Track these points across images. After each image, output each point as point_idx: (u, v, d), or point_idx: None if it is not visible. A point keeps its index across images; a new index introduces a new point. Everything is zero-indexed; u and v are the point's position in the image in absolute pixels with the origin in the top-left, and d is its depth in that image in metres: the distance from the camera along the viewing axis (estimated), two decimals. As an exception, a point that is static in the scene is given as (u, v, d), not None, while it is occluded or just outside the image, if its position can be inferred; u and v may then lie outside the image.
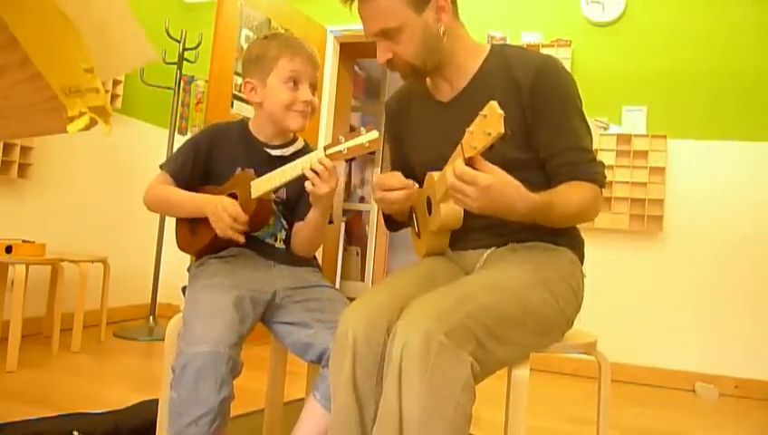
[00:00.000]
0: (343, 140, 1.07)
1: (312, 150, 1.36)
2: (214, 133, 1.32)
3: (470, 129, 0.89)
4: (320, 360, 1.12)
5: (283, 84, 1.24)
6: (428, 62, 1.11)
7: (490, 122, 0.84)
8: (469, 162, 0.90)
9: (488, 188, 0.89)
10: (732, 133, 2.83)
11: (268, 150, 1.30)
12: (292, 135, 1.35)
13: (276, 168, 1.24)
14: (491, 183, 0.89)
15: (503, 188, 0.91)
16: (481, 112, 0.86)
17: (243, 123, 1.34)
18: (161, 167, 1.28)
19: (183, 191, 1.24)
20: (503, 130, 0.83)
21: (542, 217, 1.00)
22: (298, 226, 1.28)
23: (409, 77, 1.14)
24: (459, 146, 0.92)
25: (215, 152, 1.29)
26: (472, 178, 0.89)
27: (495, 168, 0.91)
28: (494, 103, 0.84)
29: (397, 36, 1.06)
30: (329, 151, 1.08)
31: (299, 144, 1.35)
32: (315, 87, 1.29)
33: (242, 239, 1.16)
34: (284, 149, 1.32)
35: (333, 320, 1.11)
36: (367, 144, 1.05)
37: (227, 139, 1.31)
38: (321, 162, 1.08)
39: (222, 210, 1.14)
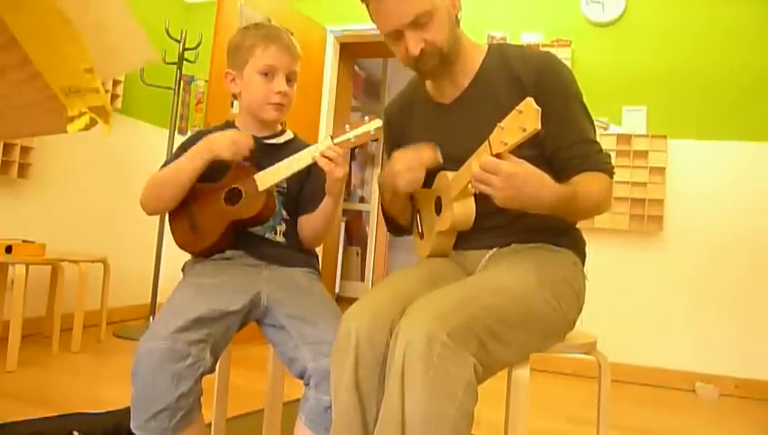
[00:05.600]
0: (349, 129, 1.10)
1: (303, 141, 1.36)
2: (200, 136, 1.30)
3: (501, 124, 0.89)
4: (301, 377, 1.10)
5: (258, 75, 1.24)
6: (453, 48, 1.10)
7: (526, 118, 0.85)
8: (497, 158, 0.90)
9: (512, 176, 0.89)
10: (732, 133, 2.83)
11: (261, 140, 1.29)
12: (279, 127, 1.35)
13: (272, 156, 1.24)
14: (515, 171, 0.89)
15: (527, 178, 0.91)
16: (516, 108, 0.86)
17: (229, 122, 1.34)
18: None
19: (171, 165, 1.22)
20: (539, 126, 0.83)
21: (566, 209, 1.00)
22: (307, 218, 1.28)
23: (437, 69, 1.11)
24: (486, 142, 0.92)
25: None
26: (495, 167, 0.89)
27: (522, 161, 0.92)
28: (530, 100, 0.85)
29: (428, 22, 1.04)
30: (337, 140, 1.11)
31: (289, 134, 1.35)
32: (293, 79, 1.28)
33: (251, 145, 1.18)
34: (276, 139, 1.32)
35: (314, 335, 1.09)
36: (372, 132, 1.09)
37: None
38: (332, 149, 1.10)
39: (225, 138, 1.17)
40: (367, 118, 1.09)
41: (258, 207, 1.17)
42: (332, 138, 1.11)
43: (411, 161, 1.11)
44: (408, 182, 1.11)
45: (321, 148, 1.11)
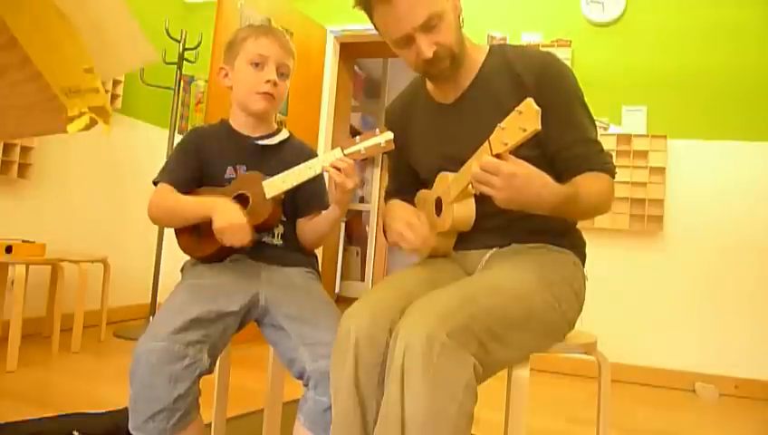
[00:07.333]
0: (360, 141, 1.10)
1: (298, 140, 1.37)
2: (197, 136, 1.31)
3: (501, 125, 0.89)
4: (301, 377, 1.10)
5: (248, 65, 1.24)
6: (461, 50, 1.10)
7: (526, 119, 0.85)
8: (497, 158, 0.90)
9: (513, 176, 0.89)
10: (732, 133, 2.83)
11: (255, 141, 1.29)
12: (275, 125, 1.34)
13: (266, 158, 1.24)
14: (515, 172, 0.89)
15: (528, 179, 0.91)
16: (516, 108, 0.87)
17: (223, 121, 1.33)
18: (155, 182, 1.23)
19: (188, 197, 1.20)
20: (539, 127, 0.83)
21: (567, 210, 1.00)
22: (308, 222, 1.27)
23: (447, 71, 1.11)
24: (486, 142, 0.92)
25: (202, 153, 1.27)
26: (495, 168, 0.89)
27: (522, 161, 0.92)
28: (530, 100, 0.85)
29: (438, 24, 1.04)
30: (347, 151, 1.10)
31: (284, 133, 1.34)
32: (286, 73, 1.27)
33: (249, 243, 1.13)
34: (271, 139, 1.31)
35: (312, 335, 1.09)
36: (383, 144, 1.08)
37: (212, 138, 1.30)
38: (343, 161, 1.09)
39: (229, 225, 1.10)
40: (378, 130, 1.08)
41: (265, 214, 1.16)
42: (343, 149, 1.10)
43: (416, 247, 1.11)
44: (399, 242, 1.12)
45: (331, 158, 1.10)
